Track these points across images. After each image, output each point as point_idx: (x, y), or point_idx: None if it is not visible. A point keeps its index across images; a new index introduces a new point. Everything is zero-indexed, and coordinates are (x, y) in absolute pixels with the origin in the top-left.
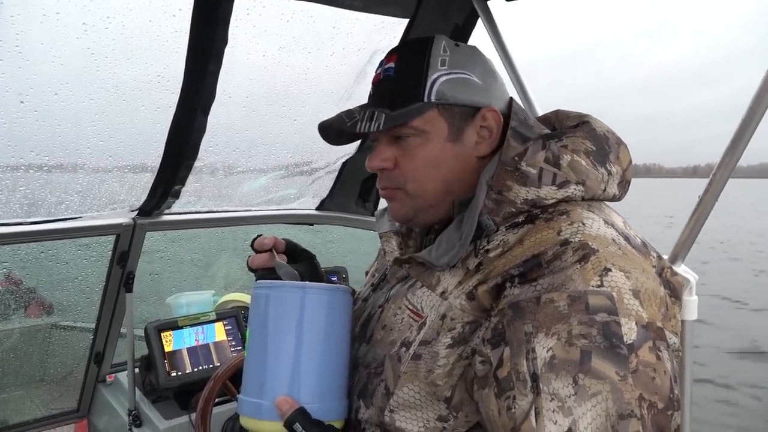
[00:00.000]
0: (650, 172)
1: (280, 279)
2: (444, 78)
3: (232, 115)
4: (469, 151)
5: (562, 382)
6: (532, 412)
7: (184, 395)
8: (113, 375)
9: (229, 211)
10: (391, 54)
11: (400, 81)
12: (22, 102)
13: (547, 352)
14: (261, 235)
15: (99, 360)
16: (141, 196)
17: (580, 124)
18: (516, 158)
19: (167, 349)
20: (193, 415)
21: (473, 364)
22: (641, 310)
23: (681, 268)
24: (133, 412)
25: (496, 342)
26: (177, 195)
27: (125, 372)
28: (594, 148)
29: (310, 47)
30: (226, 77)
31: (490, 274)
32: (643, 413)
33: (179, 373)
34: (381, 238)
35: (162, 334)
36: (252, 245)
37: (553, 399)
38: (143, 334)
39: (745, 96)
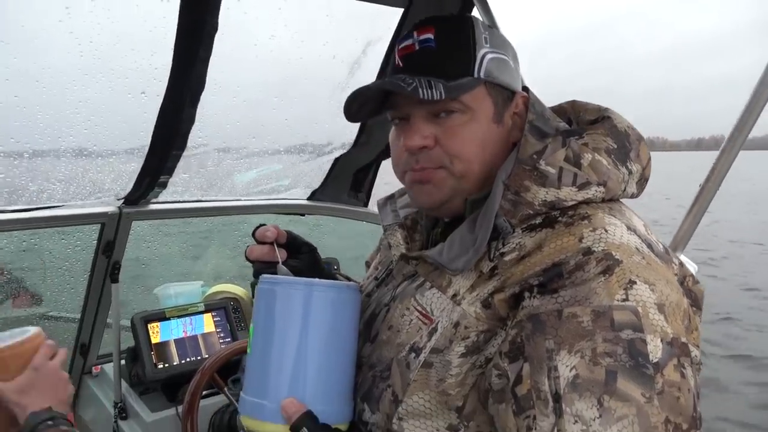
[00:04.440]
0: (654, 145)
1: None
2: (490, 56)
3: (222, 105)
4: (508, 136)
5: (586, 404)
6: None
7: (171, 387)
8: (99, 366)
9: (219, 201)
10: (425, 26)
11: (446, 53)
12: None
13: (570, 371)
14: (263, 224)
15: (84, 351)
16: (127, 186)
17: (600, 119)
18: (534, 156)
19: (154, 340)
20: (181, 408)
21: (487, 375)
22: (666, 325)
23: (681, 258)
24: (119, 404)
25: (514, 356)
26: (164, 185)
27: (112, 364)
28: (615, 146)
29: (302, 36)
30: (216, 65)
31: (507, 282)
32: None
33: (166, 365)
34: (385, 231)
35: (149, 325)
36: (253, 234)
37: (576, 421)
38: (130, 325)
39: (757, 68)
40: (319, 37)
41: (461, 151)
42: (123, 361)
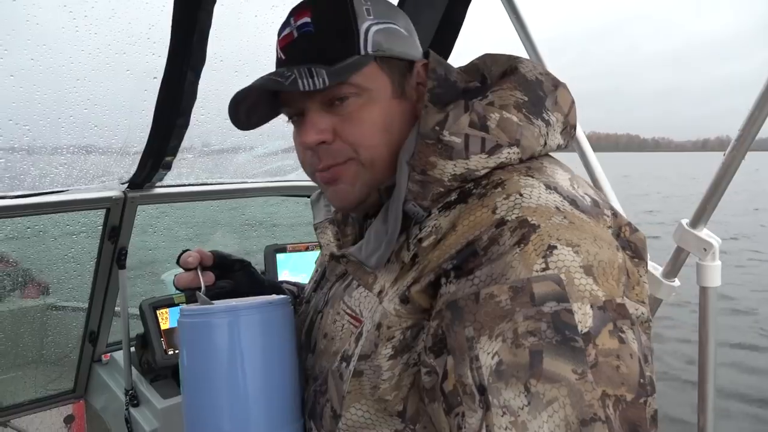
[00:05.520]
0: (660, 146)
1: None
2: (375, 27)
3: (224, 81)
4: (414, 110)
5: (513, 392)
6: (484, 431)
7: None
8: (109, 354)
9: (224, 183)
10: (301, 9)
11: (325, 35)
12: None
13: (493, 358)
14: (187, 250)
15: (94, 339)
16: (131, 168)
17: (508, 72)
18: (437, 128)
19: (164, 326)
20: None
21: (421, 374)
22: (596, 288)
23: (703, 233)
24: (130, 391)
25: (439, 350)
26: (168, 166)
27: (122, 351)
28: (526, 99)
29: None
30: (216, 39)
31: (424, 270)
32: (609, 413)
33: (176, 352)
34: (316, 230)
35: (158, 312)
36: (177, 262)
37: (504, 413)
38: (138, 312)
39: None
40: None
41: (363, 138)
42: (133, 349)
